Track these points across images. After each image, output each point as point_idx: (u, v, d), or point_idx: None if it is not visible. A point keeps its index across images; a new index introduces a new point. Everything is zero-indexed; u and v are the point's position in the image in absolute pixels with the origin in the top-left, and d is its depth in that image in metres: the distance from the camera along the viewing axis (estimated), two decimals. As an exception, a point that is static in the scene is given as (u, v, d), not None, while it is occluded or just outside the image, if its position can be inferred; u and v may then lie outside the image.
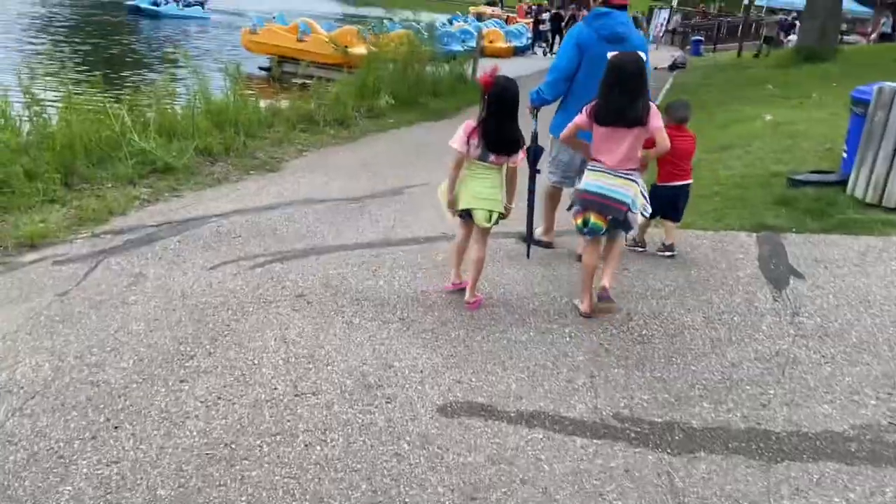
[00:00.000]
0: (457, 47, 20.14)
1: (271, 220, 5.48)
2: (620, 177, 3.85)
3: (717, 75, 20.32)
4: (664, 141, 3.84)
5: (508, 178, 3.99)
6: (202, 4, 29.11)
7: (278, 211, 5.73)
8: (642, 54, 4.00)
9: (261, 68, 17.41)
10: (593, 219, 3.88)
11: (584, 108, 3.91)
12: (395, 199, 6.44)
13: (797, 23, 34.46)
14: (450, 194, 3.99)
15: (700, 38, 31.45)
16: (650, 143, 3.95)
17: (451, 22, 28.21)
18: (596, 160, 3.93)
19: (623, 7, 4.68)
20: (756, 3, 37.92)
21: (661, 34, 37.20)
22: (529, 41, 27.30)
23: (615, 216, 3.86)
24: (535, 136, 4.69)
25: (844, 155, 6.63)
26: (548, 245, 5.17)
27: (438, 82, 13.23)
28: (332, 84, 11.81)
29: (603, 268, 4.06)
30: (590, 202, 3.88)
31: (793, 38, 30.28)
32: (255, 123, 8.62)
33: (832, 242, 5.15)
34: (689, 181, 5.12)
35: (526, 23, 32.50)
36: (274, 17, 18.85)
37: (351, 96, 10.77)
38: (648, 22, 41.49)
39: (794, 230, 5.51)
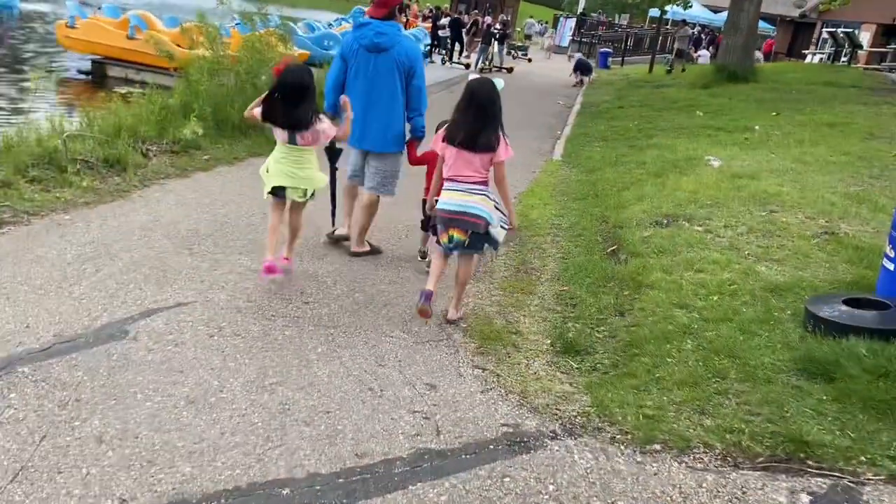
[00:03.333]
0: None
1: None
2: (475, 193, 3.95)
3: (631, 94, 18.04)
4: (502, 176, 4.04)
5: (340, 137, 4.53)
6: None
7: None
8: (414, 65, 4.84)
9: (80, 72, 13.74)
10: (456, 234, 3.97)
11: (438, 134, 4.13)
12: (90, 360, 3.30)
13: (702, 37, 33.22)
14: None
15: (608, 50, 29.42)
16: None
17: (338, 23, 25.02)
18: (450, 179, 4.01)
19: (384, 18, 4.75)
20: (652, 14, 36.41)
21: (567, 44, 35.17)
22: (427, 48, 24.26)
23: (474, 230, 3.94)
24: (332, 141, 4.83)
25: (889, 265, 3.98)
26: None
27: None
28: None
29: (454, 293, 4.22)
30: (449, 220, 3.98)
31: (703, 52, 28.76)
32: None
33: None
34: None
35: (425, 27, 29.43)
36: (100, 8, 15.10)
37: (147, 122, 7.49)
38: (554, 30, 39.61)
39: (867, 462, 2.75)
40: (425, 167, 4.91)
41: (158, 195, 6.04)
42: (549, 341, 4.10)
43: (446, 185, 4.02)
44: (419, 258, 5.16)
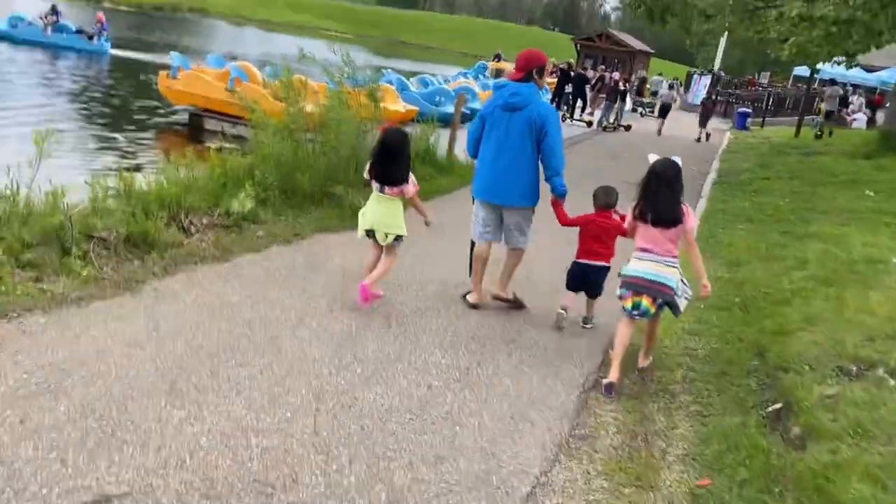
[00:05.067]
0: (451, 109, 16.01)
1: None
2: (668, 265, 4.24)
3: (777, 162, 15.82)
4: (692, 240, 4.41)
5: (411, 203, 5.11)
6: (93, 36, 23.13)
7: None
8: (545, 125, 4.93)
9: (181, 125, 13.27)
10: (645, 302, 4.24)
11: (631, 210, 4.39)
12: None
13: (853, 98, 29.98)
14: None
15: (747, 110, 26.98)
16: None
17: (454, 78, 24.13)
18: (643, 249, 4.30)
19: (521, 80, 5.01)
20: (797, 72, 33.40)
21: (696, 102, 32.85)
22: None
23: (664, 299, 4.24)
24: None
25: None
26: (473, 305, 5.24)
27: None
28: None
29: (643, 346, 4.55)
30: (640, 286, 4.23)
31: (859, 116, 25.81)
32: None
33: None
34: (604, 264, 5.08)
35: (549, 83, 28.12)
36: (204, 59, 14.75)
37: (198, 190, 6.40)
38: (686, 88, 37.42)
39: None
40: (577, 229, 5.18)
41: (177, 287, 4.82)
42: None
43: (638, 254, 4.33)
44: (561, 311, 5.11)
